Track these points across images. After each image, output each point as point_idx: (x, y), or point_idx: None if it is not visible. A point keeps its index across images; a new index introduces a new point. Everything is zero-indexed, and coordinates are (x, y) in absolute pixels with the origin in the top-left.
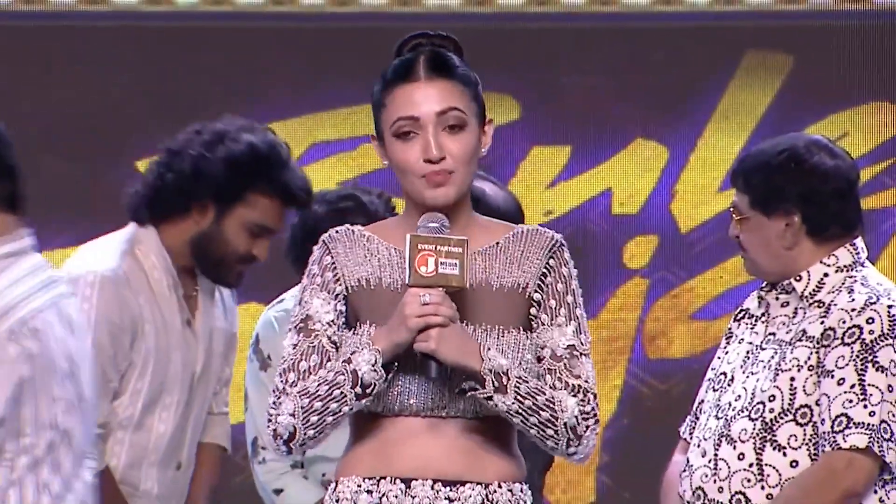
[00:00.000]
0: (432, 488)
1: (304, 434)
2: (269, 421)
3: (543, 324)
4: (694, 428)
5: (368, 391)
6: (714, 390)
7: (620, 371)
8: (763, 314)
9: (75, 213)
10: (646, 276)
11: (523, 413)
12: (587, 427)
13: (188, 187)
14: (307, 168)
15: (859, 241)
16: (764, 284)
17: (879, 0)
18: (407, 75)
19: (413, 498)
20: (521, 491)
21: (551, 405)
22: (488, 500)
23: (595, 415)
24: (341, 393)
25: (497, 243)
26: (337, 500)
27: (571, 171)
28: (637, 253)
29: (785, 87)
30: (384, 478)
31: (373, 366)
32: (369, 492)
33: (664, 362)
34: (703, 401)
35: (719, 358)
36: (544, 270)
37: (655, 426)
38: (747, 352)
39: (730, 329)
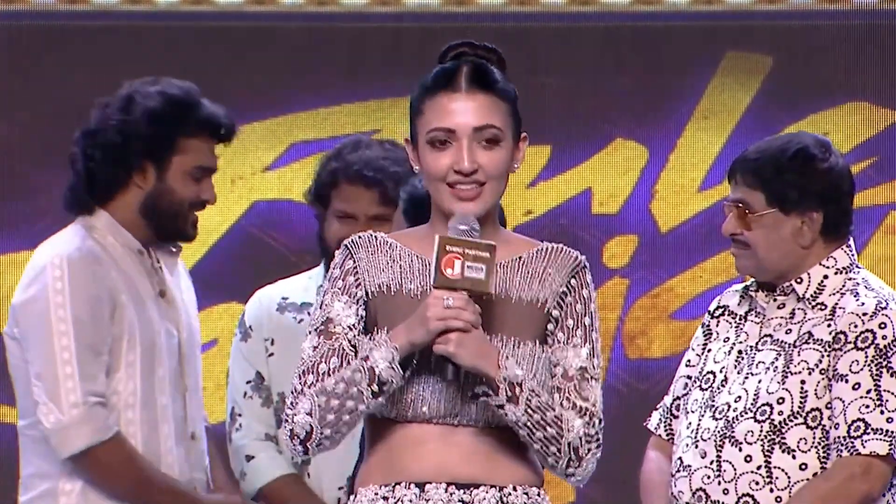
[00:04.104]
0: (446, 491)
1: (321, 433)
2: (286, 421)
3: (559, 342)
4: (670, 425)
5: (385, 388)
6: (702, 389)
7: (600, 371)
8: (749, 313)
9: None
10: (625, 276)
11: (531, 426)
12: (589, 450)
13: (122, 156)
14: (287, 168)
15: (852, 242)
16: (750, 283)
17: (859, 0)
18: (447, 85)
19: (427, 501)
20: (538, 496)
21: (559, 423)
22: (502, 502)
23: (598, 440)
24: (358, 391)
25: (519, 258)
26: None
27: (551, 171)
28: (617, 253)
29: (764, 87)
30: (399, 483)
31: (390, 363)
32: (385, 498)
33: (644, 362)
34: (678, 397)
35: (699, 356)
36: (565, 289)
37: (635, 426)
38: (739, 352)
39: (707, 326)
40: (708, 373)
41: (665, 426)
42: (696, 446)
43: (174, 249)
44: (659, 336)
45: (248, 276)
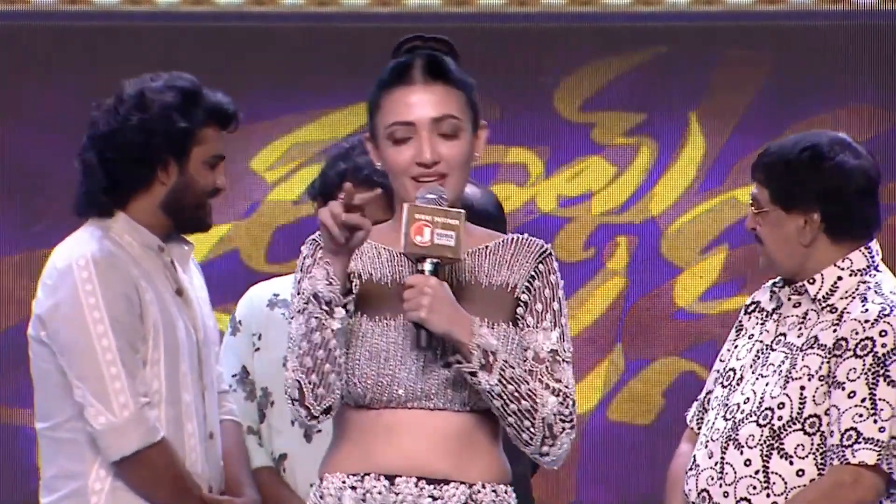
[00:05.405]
0: (416, 485)
1: (309, 384)
2: (285, 394)
3: (528, 326)
4: (701, 419)
5: (333, 307)
6: (723, 386)
7: (601, 371)
8: (774, 310)
9: (53, 214)
10: (626, 276)
11: (505, 397)
12: (563, 429)
13: (145, 154)
14: (285, 168)
15: (874, 245)
16: (777, 279)
17: (859, 0)
18: (403, 79)
19: (397, 495)
20: (506, 493)
21: (532, 396)
22: (472, 500)
23: (572, 420)
24: (315, 319)
25: (486, 247)
26: (321, 497)
27: (551, 171)
28: (618, 252)
29: (765, 87)
30: (368, 474)
31: (326, 278)
32: (353, 488)
33: (644, 362)
34: (710, 392)
35: (728, 350)
36: (533, 274)
37: (634, 427)
38: (758, 351)
39: (740, 321)
40: (730, 370)
41: (697, 420)
42: (706, 446)
43: (186, 247)
44: (659, 336)
45: (248, 278)
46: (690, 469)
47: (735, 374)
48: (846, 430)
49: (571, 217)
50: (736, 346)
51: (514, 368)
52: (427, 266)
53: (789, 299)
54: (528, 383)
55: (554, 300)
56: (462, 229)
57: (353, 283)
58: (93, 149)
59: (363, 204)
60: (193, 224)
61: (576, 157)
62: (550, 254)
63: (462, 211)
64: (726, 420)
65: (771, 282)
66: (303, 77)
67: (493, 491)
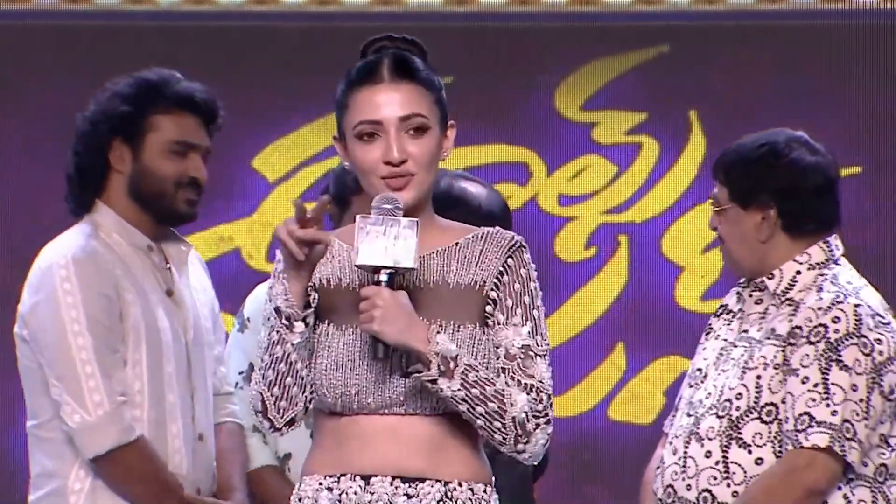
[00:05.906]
0: (391, 484)
1: (272, 396)
2: (249, 405)
3: (499, 323)
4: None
5: (292, 322)
6: (690, 386)
7: (602, 370)
8: (740, 310)
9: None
10: (627, 275)
11: (470, 401)
12: (537, 425)
13: (94, 140)
14: (286, 167)
15: (834, 239)
16: (742, 280)
17: (860, 0)
18: (370, 77)
19: (372, 494)
20: (485, 492)
21: (500, 397)
22: (447, 497)
23: (547, 415)
24: (277, 333)
25: (456, 244)
26: (300, 500)
27: (552, 171)
28: (619, 252)
29: (765, 87)
30: (344, 475)
31: (283, 293)
32: (330, 489)
33: (645, 361)
34: (681, 396)
35: (698, 353)
36: (502, 269)
37: (635, 427)
38: (721, 349)
39: (709, 324)
40: (696, 370)
41: (670, 424)
42: (671, 443)
43: (184, 248)
44: (660, 335)
45: (250, 277)
46: (658, 468)
47: (700, 372)
48: (800, 415)
49: (573, 216)
50: (704, 349)
51: (477, 371)
52: (382, 277)
53: (751, 296)
54: (494, 384)
55: (525, 294)
56: (415, 238)
57: (311, 297)
58: (71, 147)
59: (318, 216)
60: (165, 214)
61: (577, 157)
62: (522, 246)
63: (416, 220)
64: (689, 416)
65: (737, 284)
66: (303, 77)
67: (471, 489)
